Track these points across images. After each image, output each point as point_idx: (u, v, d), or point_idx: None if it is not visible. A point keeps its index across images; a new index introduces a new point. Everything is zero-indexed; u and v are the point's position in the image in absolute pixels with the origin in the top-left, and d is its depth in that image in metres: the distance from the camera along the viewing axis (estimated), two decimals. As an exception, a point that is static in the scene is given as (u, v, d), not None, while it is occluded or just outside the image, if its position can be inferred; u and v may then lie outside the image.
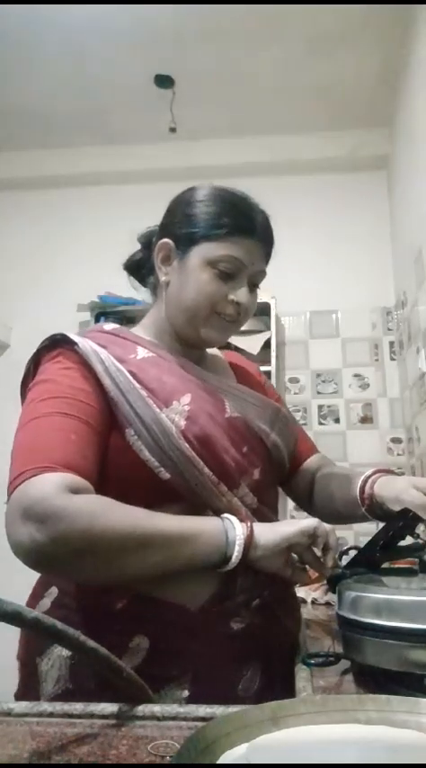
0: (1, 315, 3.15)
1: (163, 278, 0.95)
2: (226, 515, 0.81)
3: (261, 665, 0.85)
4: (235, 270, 0.91)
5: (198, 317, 0.92)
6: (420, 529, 0.91)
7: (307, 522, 0.83)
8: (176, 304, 0.94)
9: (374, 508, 0.92)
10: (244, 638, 0.84)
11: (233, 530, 0.78)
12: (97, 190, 3.28)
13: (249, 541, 0.78)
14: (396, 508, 0.86)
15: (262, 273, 0.96)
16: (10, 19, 2.43)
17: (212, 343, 0.97)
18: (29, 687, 0.82)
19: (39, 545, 0.69)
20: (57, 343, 0.89)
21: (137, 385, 0.85)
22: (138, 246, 1.06)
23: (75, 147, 3.20)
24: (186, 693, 0.78)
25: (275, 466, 0.99)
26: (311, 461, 1.11)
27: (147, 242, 1.02)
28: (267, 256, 0.96)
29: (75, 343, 0.86)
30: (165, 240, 0.94)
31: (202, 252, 0.90)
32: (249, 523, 0.80)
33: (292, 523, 0.83)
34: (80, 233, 3.24)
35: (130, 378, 0.85)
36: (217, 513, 0.84)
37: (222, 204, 0.92)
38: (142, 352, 0.91)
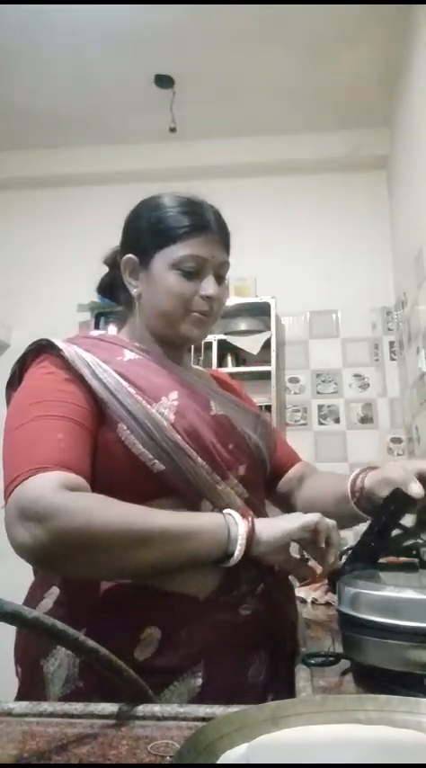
0: (1, 315, 3.15)
1: (134, 291, 0.99)
2: (227, 511, 0.82)
3: (267, 652, 0.87)
4: (198, 267, 0.94)
5: (174, 319, 0.96)
6: (412, 513, 0.91)
7: (309, 517, 0.83)
8: (151, 312, 0.97)
9: (363, 502, 0.94)
10: (251, 625, 0.85)
11: (235, 525, 0.79)
12: (97, 190, 3.28)
13: (251, 537, 0.79)
14: (385, 491, 0.87)
15: (226, 264, 0.99)
16: (10, 19, 2.43)
17: (193, 340, 1.00)
18: (33, 690, 0.81)
19: (40, 543, 0.70)
20: (42, 349, 0.90)
21: (125, 383, 0.87)
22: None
23: (75, 147, 3.21)
24: (200, 682, 0.79)
25: (259, 465, 1.00)
26: (296, 470, 1.13)
27: (114, 262, 1.06)
28: (226, 247, 1.00)
29: (59, 349, 0.88)
30: (129, 256, 0.99)
31: (163, 258, 0.95)
32: (250, 519, 0.81)
33: (294, 518, 0.83)
34: (80, 233, 3.23)
35: (118, 377, 0.87)
36: (212, 502, 0.85)
37: (170, 209, 0.97)
38: (129, 355, 0.94)
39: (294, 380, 3.02)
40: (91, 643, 0.55)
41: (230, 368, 2.88)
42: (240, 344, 2.85)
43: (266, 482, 1.05)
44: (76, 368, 0.86)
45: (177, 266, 0.93)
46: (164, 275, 0.94)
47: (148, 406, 0.85)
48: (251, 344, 2.84)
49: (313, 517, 0.83)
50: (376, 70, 2.71)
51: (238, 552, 0.78)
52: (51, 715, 0.57)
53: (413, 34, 2.35)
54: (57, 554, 0.72)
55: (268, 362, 2.81)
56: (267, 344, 2.84)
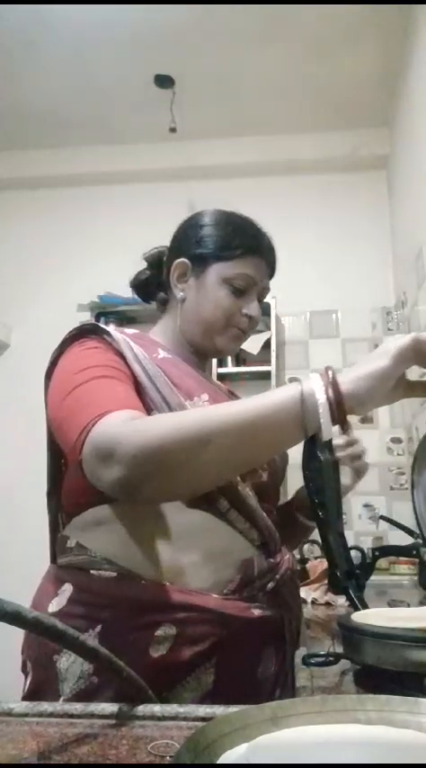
0: (1, 315, 3.15)
1: (179, 294, 1.01)
2: (310, 377, 0.72)
3: (275, 649, 0.87)
4: (247, 286, 0.99)
5: (214, 329, 0.99)
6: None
7: (401, 342, 0.69)
8: (193, 318, 1.00)
9: (303, 510, 1.03)
10: (262, 623, 0.85)
11: (311, 396, 0.69)
12: (97, 190, 3.28)
13: (335, 402, 0.68)
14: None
15: (267, 290, 1.04)
16: (11, 19, 2.43)
17: (226, 353, 1.04)
18: (44, 687, 0.81)
19: (118, 478, 0.69)
20: (85, 332, 0.90)
21: (165, 374, 0.88)
22: (137, 252, 1.10)
23: (75, 147, 3.21)
24: (212, 678, 0.79)
25: (274, 474, 1.00)
26: None
27: (156, 261, 1.08)
28: (271, 274, 1.05)
29: (105, 332, 0.89)
30: (182, 260, 1.01)
31: (218, 271, 0.98)
32: (329, 383, 0.69)
33: (378, 355, 0.70)
34: (80, 233, 3.24)
35: (158, 367, 0.89)
36: (230, 501, 0.86)
37: (233, 227, 1.00)
38: (162, 353, 0.95)
39: (294, 380, 3.01)
40: (91, 642, 0.55)
41: (230, 368, 2.88)
42: (240, 344, 2.85)
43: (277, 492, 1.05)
44: (121, 350, 0.87)
45: (230, 282, 0.97)
46: (216, 287, 0.97)
47: (183, 400, 0.87)
48: (251, 344, 2.85)
49: (405, 341, 0.69)
50: (376, 70, 2.71)
51: (325, 425, 0.68)
52: (51, 715, 0.57)
53: (413, 34, 2.36)
54: (136, 481, 0.70)
55: (268, 362, 2.81)
56: (267, 344, 2.85)
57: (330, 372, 0.71)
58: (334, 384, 0.69)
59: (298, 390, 0.70)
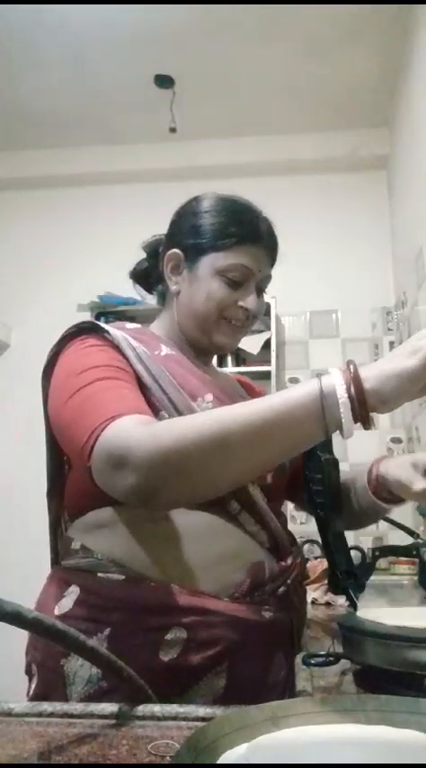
0: (1, 315, 3.15)
1: (173, 287, 0.97)
2: (326, 374, 0.68)
3: (284, 652, 0.86)
4: (243, 277, 0.93)
5: (208, 323, 0.94)
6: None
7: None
8: (187, 312, 0.96)
9: (381, 490, 0.91)
10: (272, 627, 0.84)
11: (332, 395, 0.64)
12: (97, 190, 3.28)
13: (358, 400, 0.63)
14: (393, 483, 0.86)
15: (269, 278, 0.99)
16: (10, 19, 2.43)
17: (223, 348, 0.99)
18: (50, 690, 0.80)
19: (134, 485, 0.68)
20: (83, 330, 0.88)
21: (168, 374, 0.86)
22: (137, 252, 1.07)
23: (75, 147, 3.21)
24: (223, 683, 0.78)
25: (280, 474, 0.99)
26: None
27: (153, 251, 1.04)
28: (272, 261, 0.99)
29: (105, 331, 0.86)
30: (175, 251, 0.96)
31: (211, 262, 0.93)
32: (351, 377, 0.64)
33: (403, 355, 0.66)
34: (80, 233, 3.24)
35: (161, 366, 0.86)
36: (240, 501, 0.84)
37: (228, 214, 0.94)
38: (165, 350, 0.92)
39: (294, 380, 3.02)
40: (91, 643, 0.55)
41: (230, 368, 2.88)
42: (240, 344, 2.84)
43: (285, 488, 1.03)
44: (122, 349, 0.84)
45: (223, 273, 0.92)
46: (209, 279, 0.92)
47: (189, 399, 0.84)
48: (251, 344, 2.84)
49: None
50: (376, 70, 2.71)
51: (346, 424, 0.64)
52: (51, 715, 0.57)
53: (413, 34, 2.35)
54: (151, 488, 0.68)
55: (268, 362, 2.81)
56: (267, 344, 2.84)
57: (352, 367, 0.66)
58: (357, 380, 0.65)
59: (318, 387, 0.66)
